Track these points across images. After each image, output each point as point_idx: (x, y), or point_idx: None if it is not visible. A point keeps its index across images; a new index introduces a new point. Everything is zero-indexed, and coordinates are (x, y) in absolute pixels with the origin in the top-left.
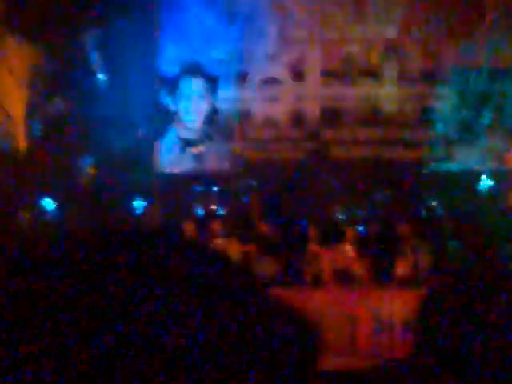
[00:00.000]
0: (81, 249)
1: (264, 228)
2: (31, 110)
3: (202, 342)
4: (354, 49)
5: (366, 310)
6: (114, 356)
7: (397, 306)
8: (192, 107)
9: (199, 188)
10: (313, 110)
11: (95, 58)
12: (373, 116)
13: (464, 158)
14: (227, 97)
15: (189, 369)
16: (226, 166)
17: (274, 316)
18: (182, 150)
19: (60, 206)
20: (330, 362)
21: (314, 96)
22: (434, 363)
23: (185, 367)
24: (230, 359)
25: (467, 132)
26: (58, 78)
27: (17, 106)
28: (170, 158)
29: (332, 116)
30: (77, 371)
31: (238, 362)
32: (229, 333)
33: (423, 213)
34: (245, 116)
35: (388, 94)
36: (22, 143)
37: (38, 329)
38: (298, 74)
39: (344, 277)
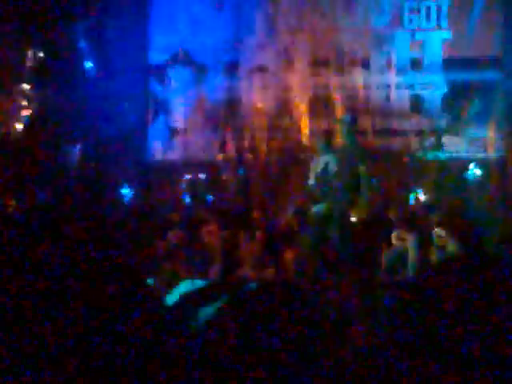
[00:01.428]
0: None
1: (252, 216)
2: (20, 100)
3: None
4: (344, 38)
5: None
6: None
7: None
8: (180, 95)
9: (187, 176)
10: (301, 99)
11: (84, 47)
12: (362, 105)
13: (452, 147)
14: (216, 85)
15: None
16: (214, 154)
17: None
18: (171, 138)
19: (50, 196)
20: None
21: (302, 85)
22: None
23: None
24: None
25: (456, 121)
26: (47, 67)
27: (6, 97)
28: (159, 147)
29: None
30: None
31: None
32: None
33: (411, 202)
34: (233, 105)
35: (377, 82)
36: (11, 134)
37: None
38: (286, 63)
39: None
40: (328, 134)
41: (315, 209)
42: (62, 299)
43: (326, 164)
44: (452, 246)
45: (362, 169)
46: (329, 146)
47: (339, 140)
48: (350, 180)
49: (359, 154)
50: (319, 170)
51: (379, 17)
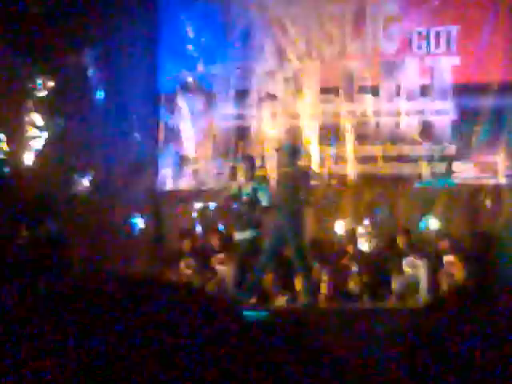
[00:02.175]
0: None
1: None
2: (31, 129)
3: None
4: (352, 64)
5: None
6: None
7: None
8: (191, 124)
9: (198, 204)
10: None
11: (94, 75)
12: (371, 132)
13: (462, 173)
14: (226, 113)
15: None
16: (225, 182)
17: None
18: (181, 166)
19: (60, 224)
20: None
21: (312, 113)
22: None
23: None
24: None
25: (466, 147)
26: (57, 96)
27: (18, 126)
28: (169, 175)
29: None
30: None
31: None
32: None
33: (421, 228)
34: (243, 133)
35: (387, 109)
36: (23, 162)
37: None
38: (296, 91)
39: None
40: (251, 160)
41: (239, 236)
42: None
43: (254, 190)
44: (462, 273)
45: (302, 192)
46: (253, 171)
47: (282, 166)
48: (291, 202)
49: (301, 178)
50: (246, 196)
51: (388, 43)
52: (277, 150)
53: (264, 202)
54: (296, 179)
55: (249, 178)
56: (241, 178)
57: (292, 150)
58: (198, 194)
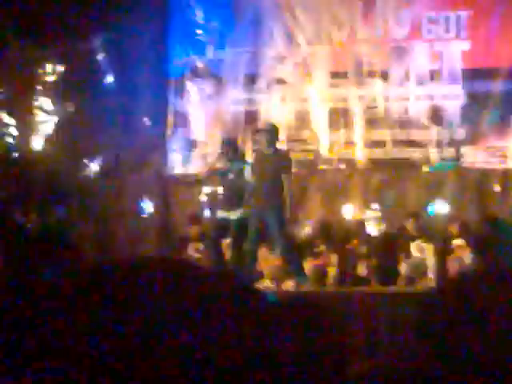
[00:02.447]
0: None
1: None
2: (41, 113)
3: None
4: (362, 49)
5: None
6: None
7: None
8: (200, 109)
9: (207, 189)
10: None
11: (103, 60)
12: (381, 117)
13: (471, 158)
14: (235, 98)
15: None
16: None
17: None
18: (190, 151)
19: (70, 209)
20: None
21: (321, 97)
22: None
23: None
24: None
25: (475, 131)
26: (67, 80)
27: (27, 110)
28: (178, 159)
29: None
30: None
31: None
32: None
33: (430, 212)
34: (252, 117)
35: (396, 94)
36: (33, 147)
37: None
38: (305, 75)
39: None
40: (235, 143)
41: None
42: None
43: (239, 171)
44: (470, 257)
45: (284, 175)
46: (236, 153)
47: (261, 147)
48: (272, 185)
49: (281, 161)
50: (231, 178)
51: (398, 28)
52: (256, 131)
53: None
54: (276, 163)
55: (230, 160)
56: (222, 161)
57: (272, 130)
58: (206, 178)
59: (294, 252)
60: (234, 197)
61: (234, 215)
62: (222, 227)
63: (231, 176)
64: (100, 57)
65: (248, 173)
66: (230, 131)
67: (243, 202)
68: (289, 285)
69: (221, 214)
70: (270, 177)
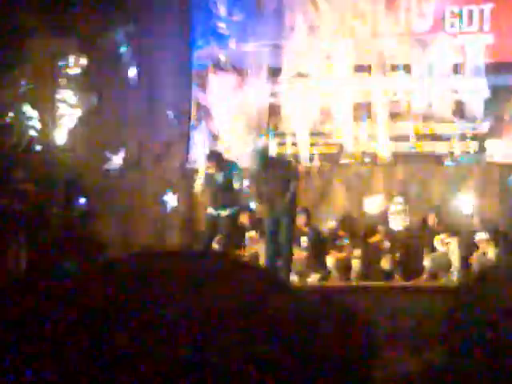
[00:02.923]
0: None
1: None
2: (64, 106)
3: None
4: (385, 43)
5: None
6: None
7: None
8: (223, 101)
9: None
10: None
11: (126, 52)
12: (404, 110)
13: (495, 151)
14: (257, 91)
15: None
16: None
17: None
18: (213, 144)
19: (92, 203)
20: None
21: (344, 91)
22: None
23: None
24: None
25: (498, 125)
26: (90, 73)
27: (50, 103)
28: (201, 152)
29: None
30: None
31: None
32: None
33: (454, 206)
34: (275, 110)
35: (419, 87)
36: (55, 140)
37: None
38: (328, 69)
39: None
40: (218, 155)
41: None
42: None
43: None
44: (494, 252)
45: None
46: (222, 163)
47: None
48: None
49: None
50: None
51: (421, 21)
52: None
53: (237, 183)
54: (284, 169)
55: (217, 171)
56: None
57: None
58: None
59: (290, 254)
60: (223, 194)
61: (224, 212)
62: (213, 225)
63: (219, 177)
64: (123, 49)
65: (237, 173)
66: (250, 125)
67: (233, 200)
68: (313, 279)
69: (210, 211)
70: (280, 184)
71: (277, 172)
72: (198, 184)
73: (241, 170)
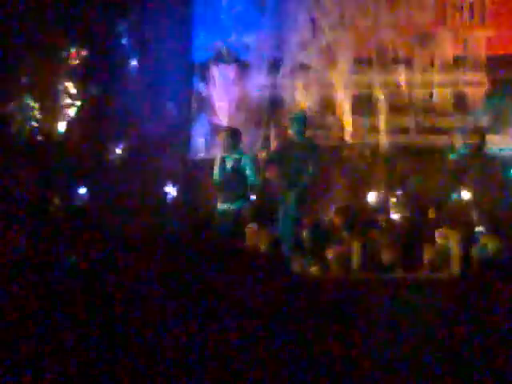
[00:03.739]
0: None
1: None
2: (66, 97)
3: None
4: (386, 35)
5: None
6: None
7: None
8: (224, 93)
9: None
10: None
11: (128, 44)
12: (404, 103)
13: (496, 144)
14: (259, 83)
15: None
16: (256, 152)
17: None
18: (214, 135)
19: (93, 192)
20: None
21: (345, 83)
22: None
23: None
24: None
25: (499, 118)
26: (91, 64)
27: (51, 94)
28: (202, 144)
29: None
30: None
31: None
32: None
33: (454, 199)
34: (276, 102)
35: (420, 80)
36: (57, 130)
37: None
38: (329, 61)
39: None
40: (236, 134)
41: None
42: None
43: (236, 161)
44: (494, 244)
45: (311, 162)
46: (237, 144)
47: (290, 135)
48: (296, 173)
49: (309, 149)
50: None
51: (422, 14)
52: (289, 119)
53: (250, 175)
54: (304, 151)
55: (229, 150)
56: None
57: (303, 118)
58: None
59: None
60: (232, 188)
61: (234, 205)
62: (225, 218)
63: (228, 166)
64: (124, 41)
65: (246, 165)
66: (251, 117)
67: (242, 194)
68: (313, 271)
69: (221, 206)
70: (296, 164)
71: (297, 151)
72: (216, 173)
73: (253, 162)
